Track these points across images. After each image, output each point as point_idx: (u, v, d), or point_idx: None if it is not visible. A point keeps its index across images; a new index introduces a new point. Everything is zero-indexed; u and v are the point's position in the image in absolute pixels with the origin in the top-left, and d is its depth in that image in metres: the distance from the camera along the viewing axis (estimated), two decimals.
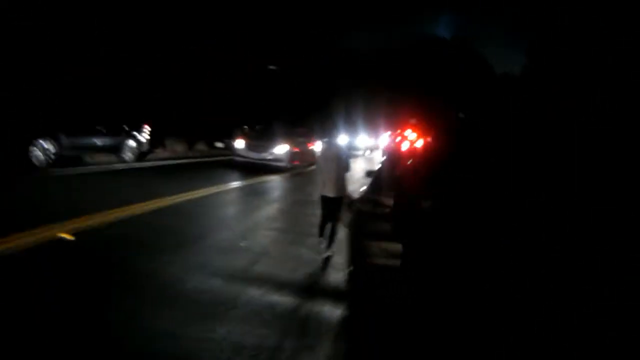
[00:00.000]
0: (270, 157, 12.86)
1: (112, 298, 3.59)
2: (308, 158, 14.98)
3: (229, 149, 15.47)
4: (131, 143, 11.78)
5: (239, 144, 13.23)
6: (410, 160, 4.81)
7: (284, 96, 33.43)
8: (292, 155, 13.34)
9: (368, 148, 30.17)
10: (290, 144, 13.40)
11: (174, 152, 16.21)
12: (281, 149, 13.03)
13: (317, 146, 16.08)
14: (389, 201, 3.65)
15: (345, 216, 5.06)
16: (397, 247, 3.47)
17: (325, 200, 5.23)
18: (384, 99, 57.15)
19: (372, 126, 41.62)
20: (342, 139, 25.81)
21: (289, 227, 6.80)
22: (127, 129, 11.76)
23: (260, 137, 13.60)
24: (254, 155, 12.87)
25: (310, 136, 16.36)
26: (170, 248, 5.00)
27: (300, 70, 37.46)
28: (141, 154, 12.36)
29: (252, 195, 9.54)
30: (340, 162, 5.20)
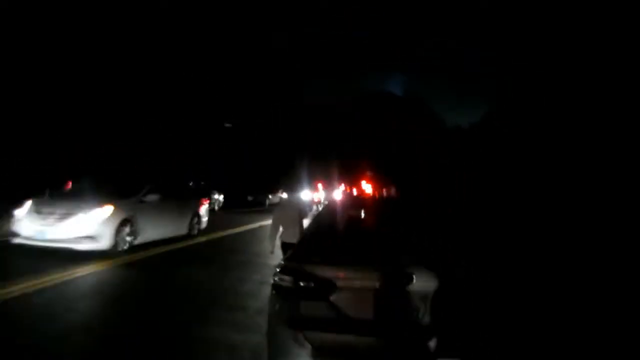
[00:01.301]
0: (69, 235, 6.87)
1: None
2: (169, 225, 9.28)
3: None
4: None
5: (21, 212, 7.33)
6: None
7: (237, 153, 33.27)
8: (120, 227, 7.42)
9: (315, 202, 29.62)
10: (121, 207, 7.60)
11: None
12: (94, 218, 7.07)
13: (203, 207, 11.14)
14: (323, 271, 2.48)
15: None
16: (347, 339, 2.32)
17: (287, 246, 5.20)
18: (335, 154, 57.95)
19: (324, 180, 41.37)
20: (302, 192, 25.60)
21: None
22: None
23: (64, 198, 7.99)
24: (39, 232, 6.89)
25: (188, 193, 11.30)
26: None
27: (256, 128, 37.68)
28: None
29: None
30: (300, 212, 5.62)
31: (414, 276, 2.35)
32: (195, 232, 10.54)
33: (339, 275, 2.42)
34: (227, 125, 32.74)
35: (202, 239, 10.44)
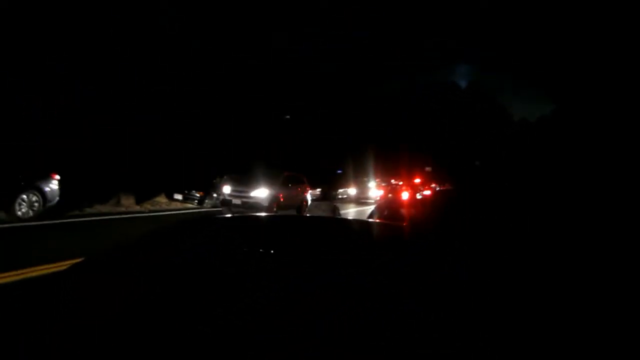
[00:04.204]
0: (251, 200, 13.64)
1: None
2: (293, 202, 15.44)
3: (189, 199, 16.40)
4: (28, 197, 9.25)
5: (226, 189, 14.47)
6: None
7: (296, 145, 32.32)
8: (272, 199, 13.94)
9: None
10: (273, 189, 14.05)
11: (117, 206, 13.73)
12: (261, 193, 13.83)
13: (309, 194, 16.87)
14: None
15: None
16: None
17: None
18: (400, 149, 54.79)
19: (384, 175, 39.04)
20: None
21: None
22: (23, 178, 9.31)
23: (243, 182, 14.50)
24: (236, 199, 13.86)
25: (301, 183, 16.56)
26: None
27: (315, 121, 36.58)
28: (48, 209, 9.77)
29: None
30: None
31: None
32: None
33: None
34: (287, 117, 31.93)
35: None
